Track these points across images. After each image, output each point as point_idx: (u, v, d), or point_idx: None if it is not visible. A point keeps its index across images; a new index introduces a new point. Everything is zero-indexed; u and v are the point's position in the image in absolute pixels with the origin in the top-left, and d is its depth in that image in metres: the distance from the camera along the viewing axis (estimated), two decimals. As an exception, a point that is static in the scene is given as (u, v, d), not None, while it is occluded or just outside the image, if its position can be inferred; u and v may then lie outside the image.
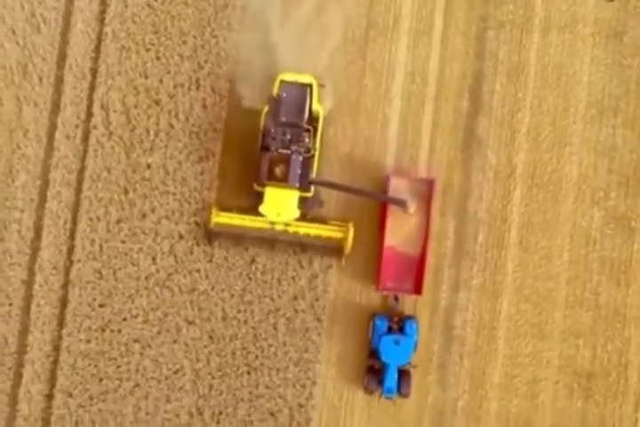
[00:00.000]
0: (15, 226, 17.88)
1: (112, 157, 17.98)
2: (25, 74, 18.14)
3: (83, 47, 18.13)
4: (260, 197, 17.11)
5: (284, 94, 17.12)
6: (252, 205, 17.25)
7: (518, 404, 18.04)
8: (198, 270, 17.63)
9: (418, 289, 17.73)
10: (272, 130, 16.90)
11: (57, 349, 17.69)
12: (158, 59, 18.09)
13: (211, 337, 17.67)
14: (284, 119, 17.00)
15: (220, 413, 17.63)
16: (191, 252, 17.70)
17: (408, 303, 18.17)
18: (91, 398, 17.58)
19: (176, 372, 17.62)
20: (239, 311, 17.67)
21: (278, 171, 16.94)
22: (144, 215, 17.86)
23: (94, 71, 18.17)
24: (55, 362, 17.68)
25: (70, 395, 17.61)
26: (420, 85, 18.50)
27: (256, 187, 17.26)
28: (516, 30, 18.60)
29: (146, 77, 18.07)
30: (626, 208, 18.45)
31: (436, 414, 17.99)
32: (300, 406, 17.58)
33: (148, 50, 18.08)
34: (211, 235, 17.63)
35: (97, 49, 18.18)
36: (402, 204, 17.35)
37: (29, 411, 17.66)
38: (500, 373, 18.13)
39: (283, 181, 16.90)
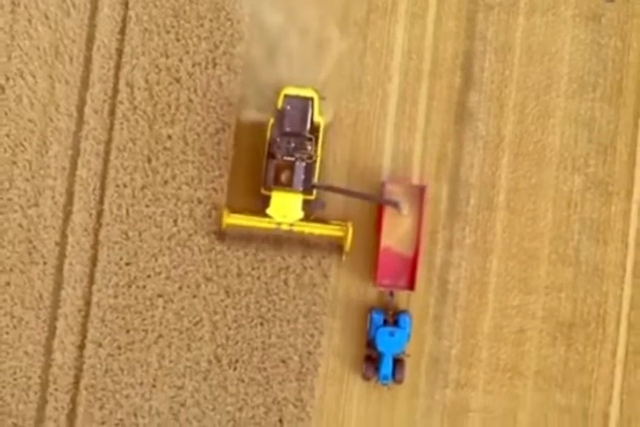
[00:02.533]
0: (49, 192, 18.61)
1: (136, 129, 18.73)
2: (57, 54, 18.82)
3: (109, 30, 18.85)
4: (267, 201, 17.90)
5: (288, 107, 17.82)
6: (259, 207, 18.06)
7: (506, 351, 18.90)
8: (215, 232, 18.44)
9: (411, 285, 18.40)
10: (277, 139, 17.63)
11: (88, 303, 18.56)
12: (178, 40, 18.86)
13: (227, 292, 18.54)
14: (288, 129, 17.71)
15: (237, 360, 18.51)
16: (209, 215, 18.56)
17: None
18: (119, 347, 18.47)
19: (196, 324, 18.48)
20: (253, 268, 18.52)
21: (283, 176, 17.71)
22: (166, 182, 18.67)
23: (120, 51, 18.90)
24: (86, 316, 18.54)
25: (100, 345, 18.49)
26: (416, 63, 19.28)
27: (263, 191, 18.04)
28: (503, 13, 19.37)
29: (167, 57, 18.81)
30: (604, 174, 19.26)
31: (431, 361, 18.86)
32: (309, 353, 18.52)
33: (168, 32, 18.85)
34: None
35: (122, 31, 18.88)
36: (395, 205, 18.07)
37: (63, 360, 18.52)
38: (490, 323, 18.96)
39: (288, 185, 17.71)
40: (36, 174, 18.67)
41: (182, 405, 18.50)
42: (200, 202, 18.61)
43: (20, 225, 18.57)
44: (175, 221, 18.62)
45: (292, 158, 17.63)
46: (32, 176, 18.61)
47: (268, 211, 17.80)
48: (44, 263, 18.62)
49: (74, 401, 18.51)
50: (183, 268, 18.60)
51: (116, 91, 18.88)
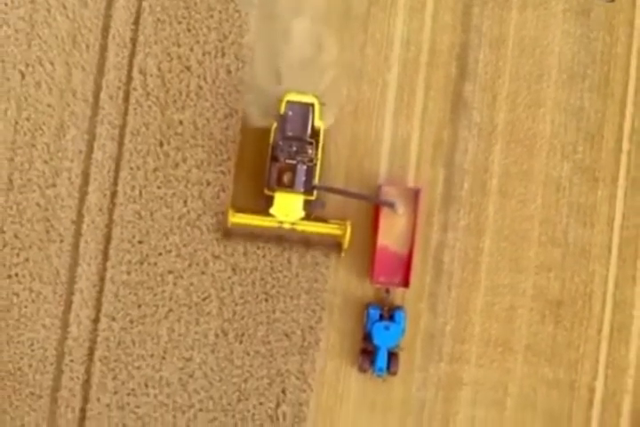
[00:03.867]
0: (66, 174, 18.97)
1: (149, 114, 19.07)
2: (74, 43, 19.09)
3: (124, 20, 19.18)
4: (270, 201, 18.21)
5: (290, 112, 18.13)
6: (263, 207, 18.35)
7: (498, 327, 19.27)
8: (223, 212, 18.85)
9: (406, 283, 18.66)
10: (280, 143, 17.85)
11: (102, 279, 18.87)
12: (189, 30, 19.18)
13: (234, 269, 18.96)
14: (290, 134, 17.99)
15: (242, 334, 18.91)
16: (217, 196, 18.95)
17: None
18: (131, 321, 18.84)
19: (204, 299, 18.90)
20: (258, 247, 18.97)
21: (286, 178, 18.08)
22: (177, 165, 19.03)
23: (134, 41, 19.14)
24: (100, 291, 18.89)
25: (114, 319, 18.85)
26: (414, 54, 19.54)
27: (267, 192, 18.33)
28: (497, 7, 19.70)
29: (178, 46, 19.13)
30: (591, 161, 19.64)
31: (427, 337, 19.25)
32: (311, 328, 18.94)
33: (180, 22, 19.19)
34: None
35: (136, 21, 19.17)
36: (391, 206, 18.50)
37: (78, 333, 18.87)
38: (482, 301, 19.36)
39: (290, 186, 18.05)
40: (53, 157, 18.94)
41: (191, 376, 18.84)
42: (209, 184, 18.97)
43: (39, 204, 18.86)
44: (185, 202, 18.99)
45: (294, 161, 17.97)
46: (50, 158, 18.92)
47: (272, 210, 18.19)
48: (61, 241, 18.89)
49: (88, 372, 18.82)
50: (192, 246, 18.88)
51: (129, 78, 19.05)
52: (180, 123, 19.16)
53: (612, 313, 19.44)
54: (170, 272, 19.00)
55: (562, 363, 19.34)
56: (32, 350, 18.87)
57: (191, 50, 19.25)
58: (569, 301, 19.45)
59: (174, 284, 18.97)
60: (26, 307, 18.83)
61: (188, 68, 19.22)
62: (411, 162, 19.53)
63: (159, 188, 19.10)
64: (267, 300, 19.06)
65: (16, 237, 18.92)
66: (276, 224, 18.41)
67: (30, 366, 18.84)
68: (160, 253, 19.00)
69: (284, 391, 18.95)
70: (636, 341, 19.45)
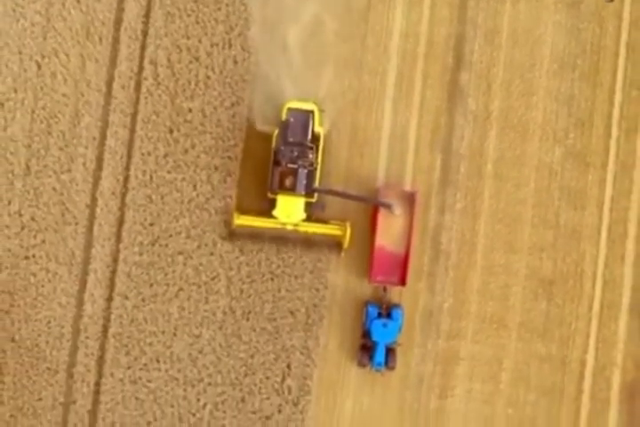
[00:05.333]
0: (80, 159, 19.43)
1: (160, 103, 19.50)
2: (88, 35, 19.52)
3: (135, 13, 19.60)
4: (273, 203, 18.68)
5: (291, 119, 18.53)
6: (266, 209, 18.85)
7: (493, 305, 19.79)
8: (230, 196, 19.39)
9: (402, 281, 19.04)
10: (282, 148, 18.35)
11: (115, 260, 19.35)
12: (197, 23, 19.60)
13: (241, 250, 19.43)
14: (291, 139, 18.43)
15: (249, 312, 19.41)
16: (224, 181, 19.42)
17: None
18: (143, 300, 19.36)
19: (213, 278, 19.38)
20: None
21: (288, 181, 18.50)
22: (186, 151, 19.49)
23: (145, 33, 19.59)
24: (114, 271, 19.37)
25: (126, 298, 19.34)
26: (412, 45, 19.97)
27: (270, 195, 18.81)
28: (492, 0, 20.11)
29: (187, 38, 19.58)
30: (582, 146, 20.10)
31: (425, 314, 19.73)
32: (315, 306, 19.46)
33: (189, 15, 19.64)
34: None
35: (147, 14, 19.60)
36: (388, 207, 18.98)
37: (93, 311, 19.35)
38: (479, 280, 19.82)
39: (291, 189, 18.49)
40: (68, 143, 19.39)
41: (200, 351, 19.33)
42: (216, 169, 19.43)
43: (55, 189, 19.35)
44: (194, 186, 19.45)
45: (295, 165, 18.41)
46: (65, 145, 19.40)
47: (274, 212, 18.66)
48: (76, 224, 19.37)
49: (102, 348, 19.30)
50: (201, 228, 19.34)
51: (141, 68, 19.51)
52: (189, 111, 19.61)
53: (602, 291, 19.88)
54: (180, 253, 19.45)
55: (554, 339, 19.79)
56: (49, 328, 19.37)
57: (199, 41, 19.69)
58: (561, 280, 19.86)
59: (184, 264, 19.43)
60: (42, 286, 19.34)
61: (197, 59, 19.64)
62: (410, 148, 19.95)
63: (169, 172, 19.56)
64: (272, 279, 19.52)
65: (33, 219, 19.42)
66: (278, 226, 18.84)
67: (47, 342, 19.33)
68: (170, 235, 19.47)
69: (289, 366, 19.46)
70: (624, 317, 19.89)
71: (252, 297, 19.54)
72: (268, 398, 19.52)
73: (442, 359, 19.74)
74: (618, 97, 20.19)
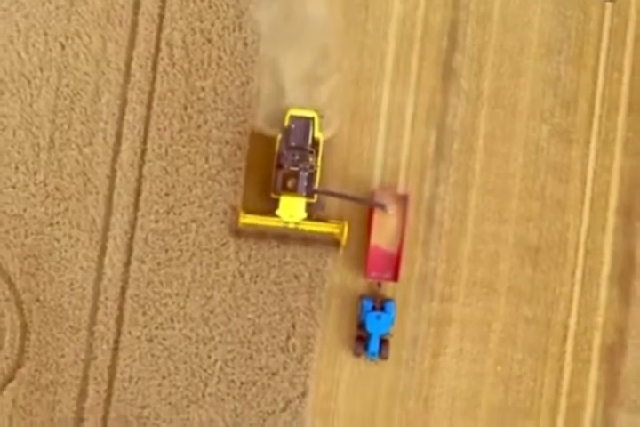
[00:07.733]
0: (101, 134, 19.90)
1: (175, 82, 19.91)
2: (108, 18, 19.95)
3: None
4: (276, 203, 19.13)
5: (293, 125, 19.05)
6: (270, 209, 19.26)
7: (483, 271, 20.19)
8: (240, 168, 19.92)
9: (395, 277, 19.42)
10: (284, 152, 18.86)
11: (133, 227, 19.79)
12: (210, 7, 20.05)
13: None
14: (293, 144, 18.92)
15: (257, 275, 19.86)
16: (235, 154, 19.91)
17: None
18: (159, 264, 19.83)
19: (223, 244, 19.89)
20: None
21: (290, 183, 18.99)
22: (199, 126, 19.89)
23: (161, 16, 20.01)
24: (132, 237, 19.82)
25: (143, 262, 19.85)
26: (409, 29, 20.34)
27: (273, 195, 19.30)
28: None
29: (201, 21, 20.00)
30: (567, 124, 20.40)
31: (420, 279, 20.16)
32: (318, 270, 19.90)
33: (202, 0, 20.06)
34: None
35: None
36: (383, 207, 19.39)
37: (112, 274, 19.82)
38: (470, 248, 20.21)
39: (293, 191, 18.99)
40: (90, 118, 19.83)
41: (211, 312, 19.80)
42: (227, 143, 19.86)
43: (77, 161, 19.85)
44: (207, 159, 19.91)
45: (297, 168, 18.94)
46: (87, 120, 19.86)
47: (277, 212, 19.17)
48: (97, 193, 19.82)
49: (121, 308, 19.80)
50: (213, 198, 19.82)
51: (158, 49, 19.92)
52: (202, 89, 20.06)
53: (584, 259, 20.29)
54: (193, 221, 19.93)
55: (539, 303, 20.16)
56: (71, 289, 19.93)
57: (212, 25, 20.15)
58: (546, 248, 20.20)
59: (197, 231, 19.91)
60: (66, 251, 19.89)
61: (210, 41, 20.07)
62: (406, 124, 20.39)
63: (183, 146, 20.01)
64: (279, 246, 20.00)
65: (57, 189, 19.99)
66: (281, 224, 19.32)
67: (70, 303, 19.89)
68: (184, 204, 19.96)
69: (293, 326, 19.97)
70: (605, 283, 20.31)
71: (260, 262, 19.98)
72: (273, 356, 19.96)
73: (435, 321, 20.10)
74: (601, 79, 20.53)
